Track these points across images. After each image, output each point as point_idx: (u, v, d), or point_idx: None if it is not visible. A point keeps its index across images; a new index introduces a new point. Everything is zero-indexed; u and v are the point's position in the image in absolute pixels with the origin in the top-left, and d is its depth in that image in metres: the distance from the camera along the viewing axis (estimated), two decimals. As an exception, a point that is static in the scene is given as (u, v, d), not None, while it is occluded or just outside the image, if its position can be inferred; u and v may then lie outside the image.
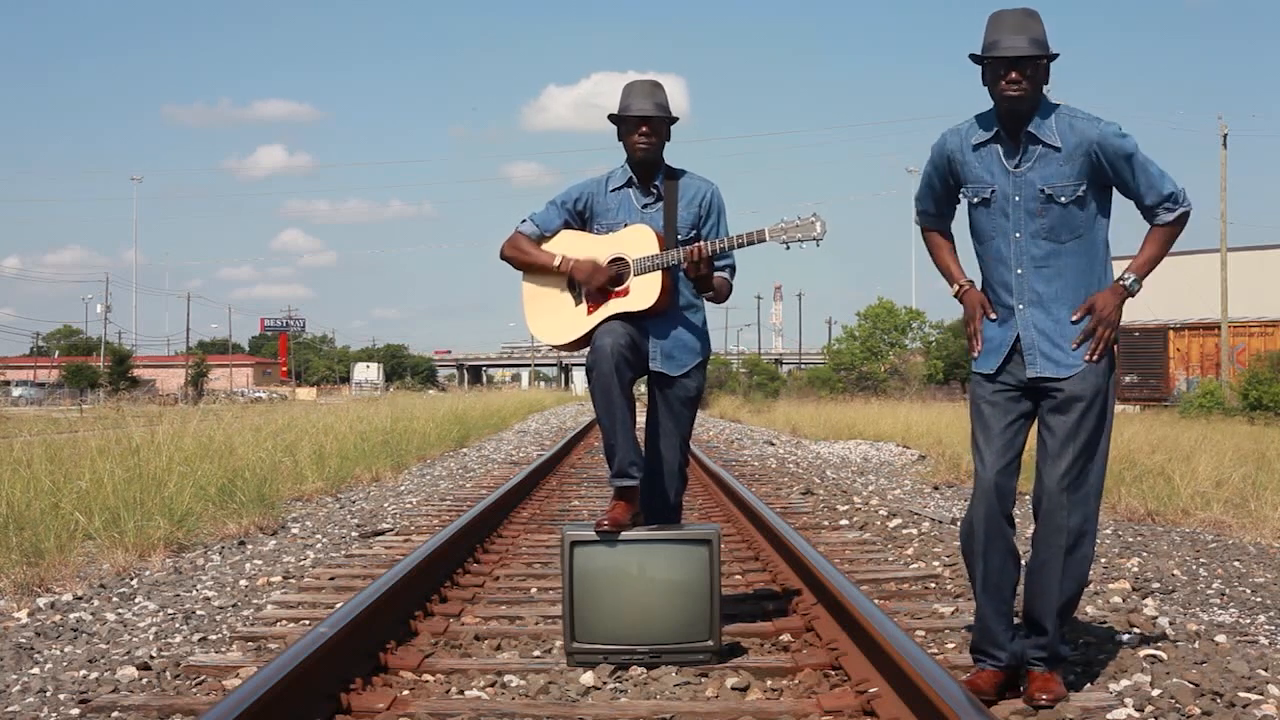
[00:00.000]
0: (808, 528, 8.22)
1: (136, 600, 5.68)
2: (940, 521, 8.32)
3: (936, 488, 11.53)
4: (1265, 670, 4.07)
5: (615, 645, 4.36)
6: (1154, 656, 4.23)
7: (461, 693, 4.09)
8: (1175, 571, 6.24)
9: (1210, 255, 39.22)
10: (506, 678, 4.23)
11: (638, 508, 4.65)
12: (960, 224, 4.03)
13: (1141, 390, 38.83)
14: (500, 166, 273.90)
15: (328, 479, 11.41)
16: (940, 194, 3.98)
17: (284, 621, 5.16)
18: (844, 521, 8.65)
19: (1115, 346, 3.82)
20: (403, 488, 11.69)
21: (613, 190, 4.80)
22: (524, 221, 4.85)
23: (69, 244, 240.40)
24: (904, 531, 7.94)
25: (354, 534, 8.02)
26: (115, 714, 3.80)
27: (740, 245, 4.62)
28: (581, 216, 4.84)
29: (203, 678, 4.23)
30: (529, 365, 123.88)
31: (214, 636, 4.87)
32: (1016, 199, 3.74)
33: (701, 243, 4.61)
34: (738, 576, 6.28)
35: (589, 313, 4.72)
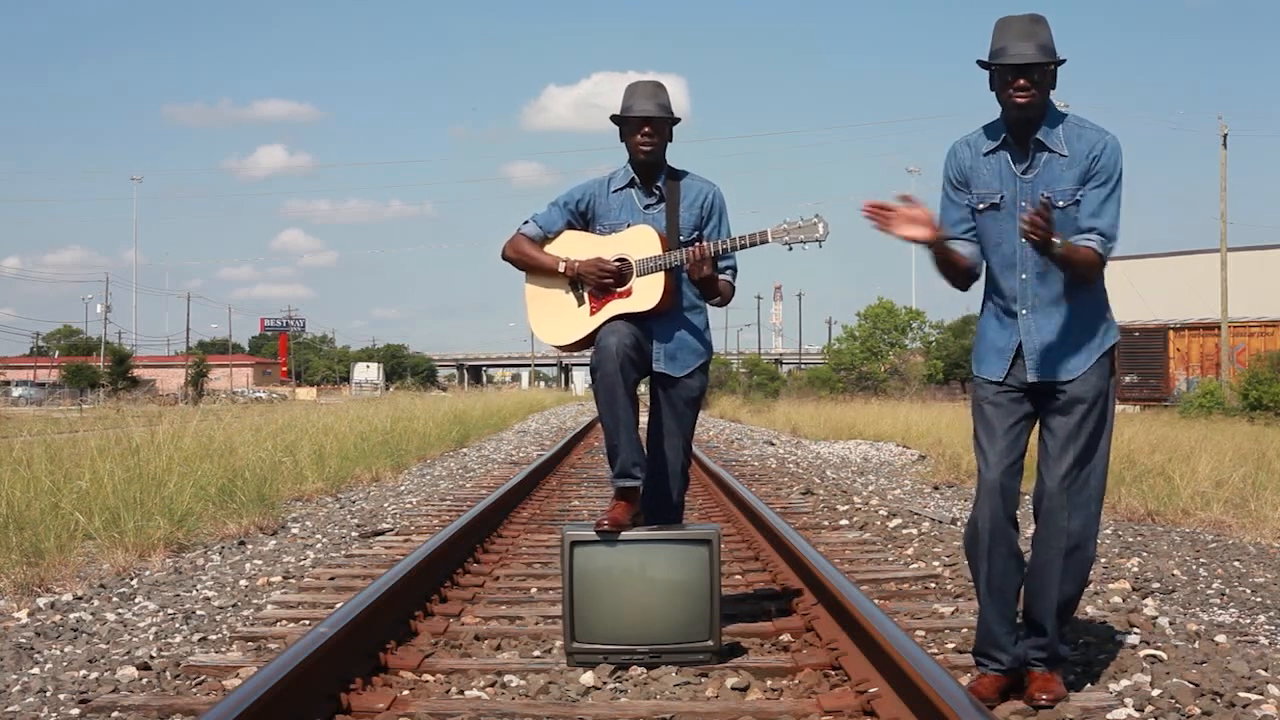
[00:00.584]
0: (808, 528, 8.22)
1: (136, 600, 5.68)
2: (940, 521, 8.32)
3: (936, 488, 11.53)
4: (1265, 670, 4.07)
5: (615, 645, 4.36)
6: (1154, 656, 4.23)
7: (461, 693, 4.09)
8: (1175, 571, 6.24)
9: (1210, 255, 39.24)
10: (506, 678, 4.23)
11: (638, 508, 4.65)
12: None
13: (1141, 390, 38.84)
14: (500, 166, 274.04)
15: (328, 479, 11.42)
16: (962, 209, 3.88)
17: (284, 621, 5.16)
18: (844, 521, 8.66)
19: (1115, 350, 3.83)
20: (403, 488, 11.70)
21: (615, 191, 4.80)
22: (526, 223, 4.85)
23: (69, 244, 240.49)
24: (904, 531, 7.94)
25: (354, 534, 8.02)
26: (115, 714, 3.80)
27: (743, 246, 4.62)
28: (584, 217, 4.84)
29: (203, 678, 4.23)
30: (529, 365, 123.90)
31: (214, 636, 4.87)
32: (1023, 204, 3.75)
33: (704, 243, 4.61)
34: (738, 576, 6.28)
35: (592, 313, 4.72)
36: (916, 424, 20.74)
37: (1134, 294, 38.41)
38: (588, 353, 4.75)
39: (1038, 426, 3.84)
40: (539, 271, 4.82)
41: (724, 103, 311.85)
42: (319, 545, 7.50)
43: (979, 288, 3.96)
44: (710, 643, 4.38)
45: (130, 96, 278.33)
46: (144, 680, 4.19)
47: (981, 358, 3.89)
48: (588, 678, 4.20)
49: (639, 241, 4.67)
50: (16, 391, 69.05)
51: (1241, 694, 3.76)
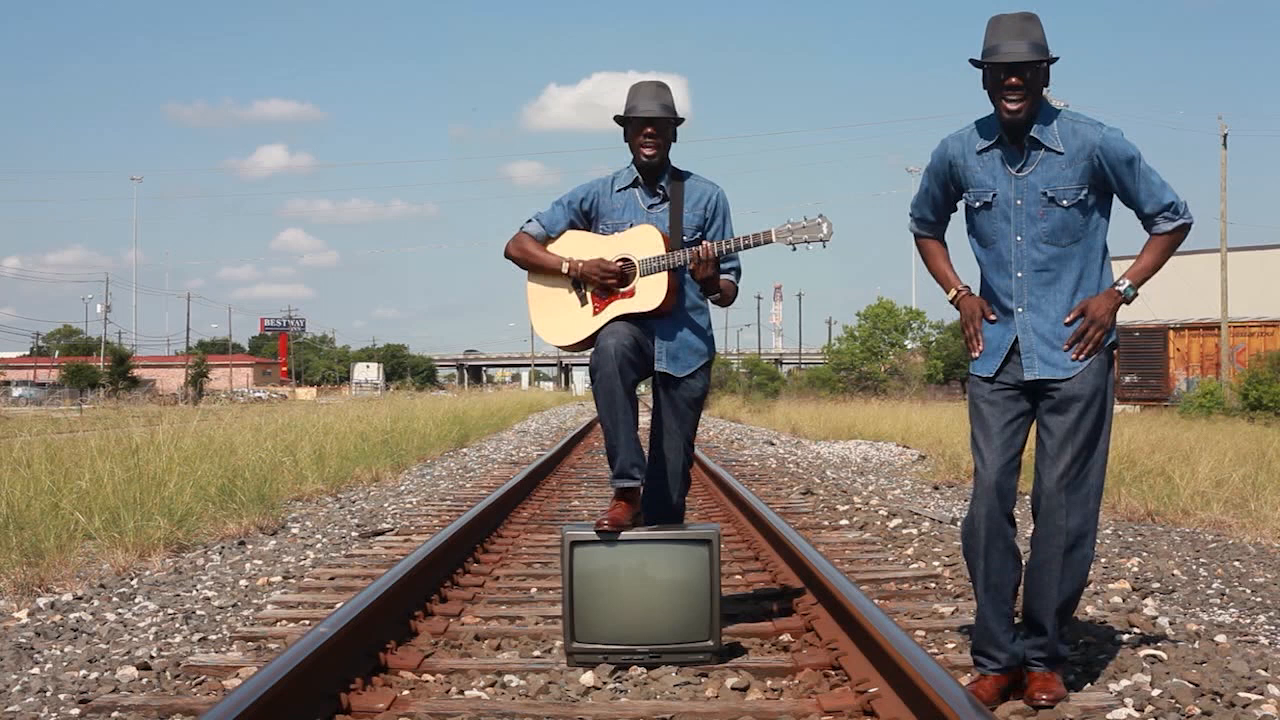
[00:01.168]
0: (808, 528, 8.22)
1: (136, 600, 5.68)
2: (940, 521, 8.32)
3: (936, 488, 11.53)
4: (1265, 670, 4.07)
5: (615, 645, 4.36)
6: (1154, 656, 4.23)
7: (461, 693, 4.09)
8: (1175, 571, 6.24)
9: (1210, 255, 39.21)
10: (506, 678, 4.23)
11: (638, 508, 4.65)
12: (957, 230, 4.03)
13: (1141, 390, 38.83)
14: (501, 166, 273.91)
15: (328, 479, 11.41)
16: (940, 201, 3.99)
17: (284, 621, 5.16)
18: (844, 521, 8.66)
19: (1115, 350, 3.83)
20: (403, 488, 11.69)
21: (619, 191, 4.81)
22: (529, 221, 4.85)
23: (69, 244, 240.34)
24: (904, 531, 7.94)
25: (354, 534, 8.02)
26: (115, 714, 3.80)
27: (747, 246, 4.62)
28: (587, 217, 4.84)
29: (203, 678, 4.23)
30: (529, 365, 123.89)
31: (214, 636, 4.87)
32: (1018, 203, 3.75)
33: (708, 243, 4.61)
34: (738, 576, 6.28)
35: (594, 313, 4.72)
36: (916, 424, 20.73)
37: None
38: (588, 353, 4.75)
39: (1035, 425, 3.85)
40: (542, 271, 4.82)
41: (724, 103, 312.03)
42: (319, 545, 7.50)
43: (978, 288, 3.97)
44: (710, 643, 4.38)
45: (130, 96, 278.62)
46: (144, 680, 4.19)
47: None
48: (588, 678, 4.20)
49: (642, 241, 4.67)
50: (16, 391, 69.05)
51: (1241, 694, 3.76)
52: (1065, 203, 3.71)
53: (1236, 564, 6.54)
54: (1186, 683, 3.87)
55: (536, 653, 4.68)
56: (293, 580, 6.23)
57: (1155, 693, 3.82)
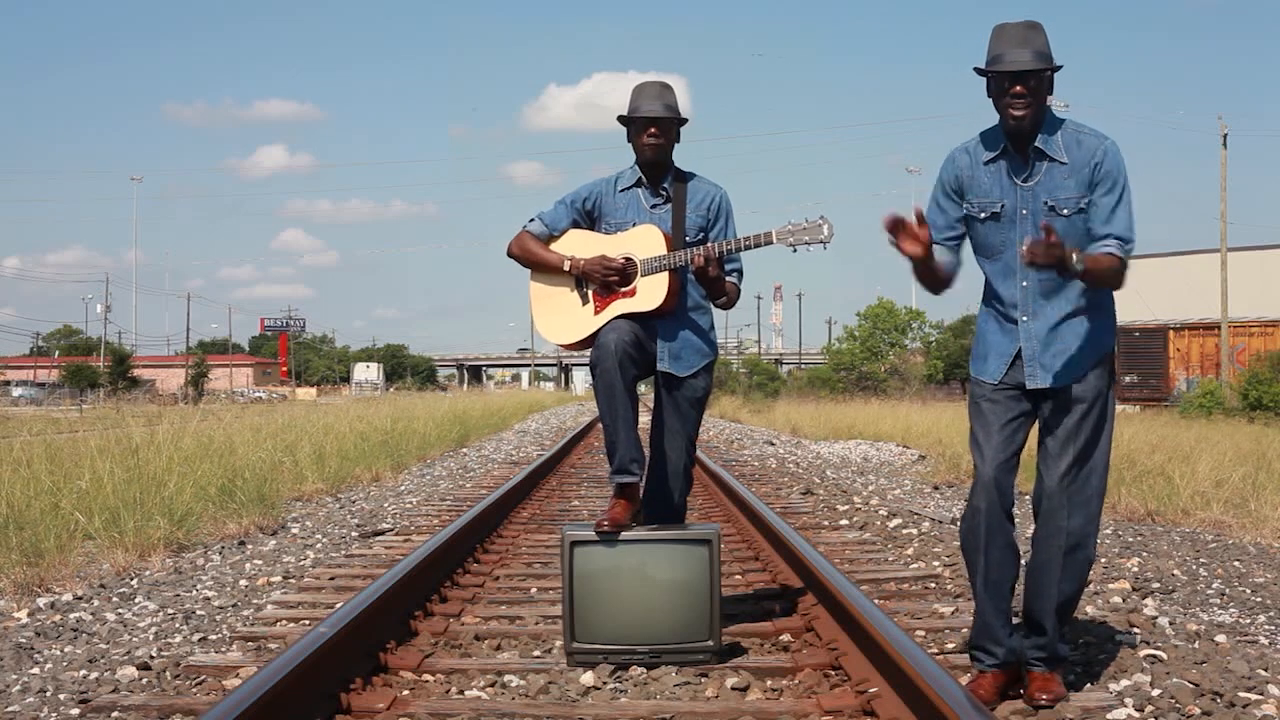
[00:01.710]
0: (808, 528, 8.22)
1: (136, 600, 5.68)
2: (940, 521, 8.32)
3: (936, 488, 11.53)
4: (1265, 670, 4.07)
5: (615, 645, 4.36)
6: (1154, 656, 4.23)
7: (461, 693, 4.09)
8: (1175, 571, 6.24)
9: (1210, 255, 39.23)
10: (506, 678, 4.23)
11: (638, 506, 4.65)
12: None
13: (1141, 390, 38.82)
14: (501, 166, 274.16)
15: (328, 479, 11.41)
16: (951, 216, 3.91)
17: (284, 621, 5.16)
18: (844, 521, 8.66)
19: (1114, 351, 3.83)
20: (403, 488, 11.70)
21: (622, 190, 4.81)
22: (532, 220, 4.86)
23: (69, 244, 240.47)
24: (904, 531, 7.94)
25: (354, 534, 8.02)
26: (115, 714, 3.80)
27: (748, 247, 4.62)
28: (590, 216, 4.85)
29: (203, 678, 4.23)
30: (529, 365, 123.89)
31: (214, 636, 4.87)
32: (1024, 212, 3.75)
33: (710, 244, 4.61)
34: (738, 576, 6.28)
35: (596, 312, 4.73)
36: (916, 424, 20.73)
37: (1134, 294, 38.29)
38: (589, 352, 4.76)
39: (1037, 425, 3.85)
40: (544, 269, 4.83)
41: (725, 103, 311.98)
42: (319, 545, 7.50)
43: (979, 289, 3.97)
44: (710, 643, 4.38)
45: (130, 96, 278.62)
46: (144, 680, 4.19)
47: (980, 358, 3.89)
48: (588, 678, 4.20)
49: (644, 241, 4.67)
50: (16, 391, 69.07)
51: (1241, 694, 3.76)
52: (1065, 212, 3.72)
53: (1236, 564, 6.54)
54: (1186, 683, 3.87)
55: (536, 653, 4.68)
56: (293, 580, 6.23)
57: (1155, 693, 3.82)
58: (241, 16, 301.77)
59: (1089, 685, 3.97)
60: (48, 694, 4.01)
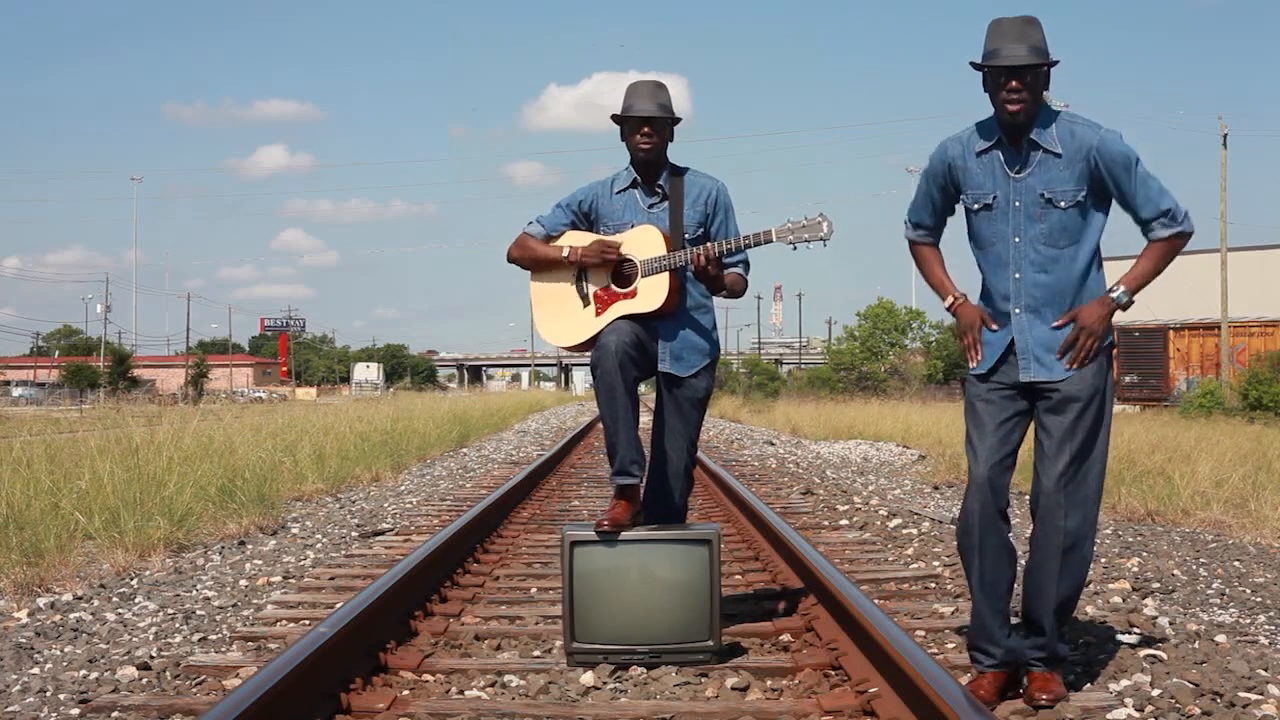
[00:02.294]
0: (808, 527, 8.22)
1: (136, 600, 5.68)
2: (940, 521, 8.32)
3: (936, 488, 11.53)
4: (1265, 670, 4.07)
5: (615, 645, 4.36)
6: (1154, 656, 4.23)
7: (461, 693, 4.09)
8: (1175, 571, 6.24)
9: (1210, 255, 39.18)
10: (506, 678, 4.23)
11: (639, 506, 4.65)
12: (957, 237, 4.02)
13: (1141, 390, 38.79)
14: (501, 166, 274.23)
15: (328, 479, 11.41)
16: (938, 204, 3.98)
17: (284, 621, 5.16)
18: (844, 521, 8.65)
19: (1114, 350, 3.83)
20: (403, 488, 11.69)
21: (618, 192, 4.81)
22: (530, 224, 4.87)
23: (69, 244, 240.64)
24: (904, 531, 7.94)
25: (354, 534, 8.02)
26: (115, 714, 3.80)
27: (748, 246, 4.62)
28: (588, 219, 4.85)
29: (203, 678, 4.23)
30: (529, 365, 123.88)
31: (214, 636, 4.87)
32: (1017, 204, 3.75)
33: (709, 244, 4.61)
34: (738, 576, 6.28)
35: (597, 314, 4.73)
36: (916, 424, 20.73)
37: (1134, 294, 38.25)
38: (590, 353, 4.76)
39: (1034, 426, 3.84)
40: (545, 268, 4.83)
41: (725, 103, 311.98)
42: (319, 545, 7.50)
43: (974, 281, 3.97)
44: (710, 643, 4.38)
45: (130, 96, 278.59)
46: (144, 680, 4.19)
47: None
48: (588, 678, 4.20)
49: (643, 242, 4.67)
50: (16, 391, 69.03)
51: (1241, 694, 3.76)
52: (1063, 204, 3.72)
53: (1236, 564, 6.54)
54: (1186, 683, 3.87)
55: (536, 653, 4.68)
56: (293, 580, 6.23)
57: (1155, 693, 3.82)
58: (241, 16, 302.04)
59: (1089, 685, 3.97)
60: (48, 694, 4.01)
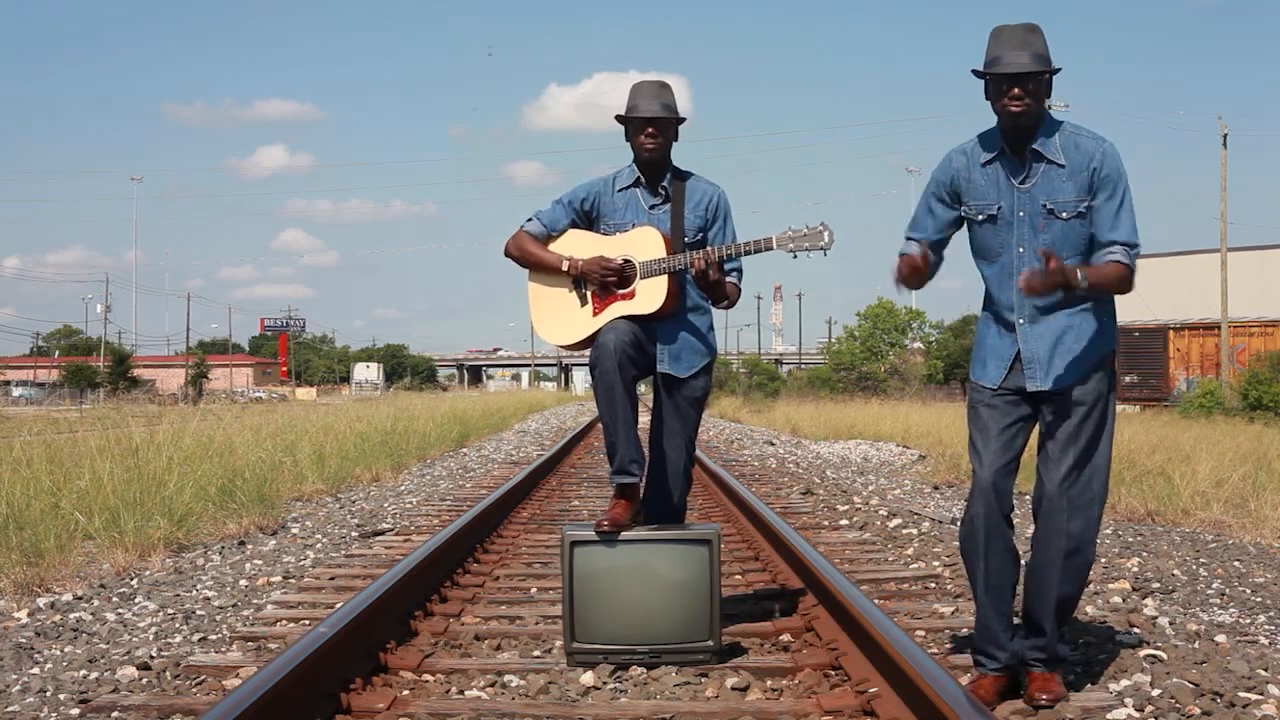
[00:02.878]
0: (808, 527, 8.22)
1: (136, 600, 5.68)
2: (940, 521, 8.32)
3: (936, 488, 11.53)
4: (1265, 670, 4.07)
5: (615, 645, 4.36)
6: (1154, 656, 4.23)
7: (461, 693, 4.09)
8: (1175, 571, 6.24)
9: (1210, 255, 39.21)
10: (506, 678, 4.23)
11: (639, 506, 4.65)
12: (959, 244, 4.00)
13: (1141, 390, 38.81)
14: (501, 166, 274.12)
15: (328, 479, 11.41)
16: (942, 219, 3.91)
17: (284, 621, 5.16)
18: (844, 521, 8.66)
19: (1114, 353, 3.83)
20: (403, 488, 11.69)
21: (620, 190, 4.80)
22: (530, 220, 4.84)
23: (69, 244, 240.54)
24: (904, 531, 7.94)
25: (354, 534, 8.02)
26: (115, 714, 3.80)
27: (748, 252, 4.61)
28: (588, 216, 4.84)
29: (203, 678, 4.23)
30: (529, 365, 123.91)
31: (214, 636, 4.87)
32: (1020, 214, 3.75)
33: (709, 249, 4.60)
34: (738, 576, 6.28)
35: (595, 314, 4.72)
36: (916, 424, 20.73)
37: (1134, 294, 38.18)
38: (588, 352, 4.76)
39: (1037, 429, 3.85)
40: (542, 270, 4.82)
41: (725, 103, 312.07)
42: (319, 545, 7.50)
43: (980, 292, 3.96)
44: (710, 643, 4.38)
45: (130, 96, 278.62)
46: (144, 680, 4.19)
47: (980, 363, 3.89)
48: (588, 678, 4.20)
49: (643, 243, 4.67)
50: (16, 391, 69.02)
51: (1241, 694, 3.76)
52: (1065, 215, 3.72)
53: (1236, 564, 6.55)
54: (1186, 683, 3.87)
55: (536, 653, 4.68)
56: (293, 580, 6.23)
57: (1155, 693, 3.82)
58: (241, 16, 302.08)
59: (1089, 685, 3.97)
60: (48, 694, 4.01)
